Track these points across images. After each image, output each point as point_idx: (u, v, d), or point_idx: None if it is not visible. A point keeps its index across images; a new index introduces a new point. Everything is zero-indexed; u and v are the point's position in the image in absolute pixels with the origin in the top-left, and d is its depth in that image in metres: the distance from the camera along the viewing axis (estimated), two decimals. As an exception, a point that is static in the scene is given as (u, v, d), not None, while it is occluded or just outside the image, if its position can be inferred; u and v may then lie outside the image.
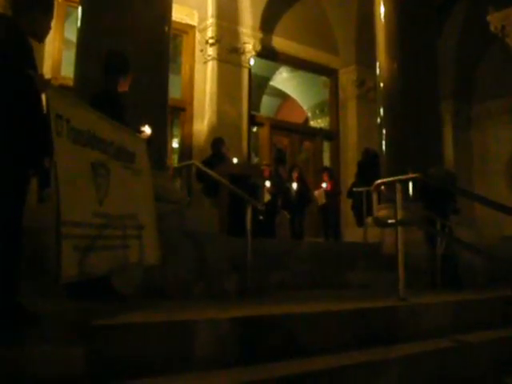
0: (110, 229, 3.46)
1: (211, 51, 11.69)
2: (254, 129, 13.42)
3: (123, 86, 4.39)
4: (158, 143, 5.36)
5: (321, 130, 14.90)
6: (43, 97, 2.86)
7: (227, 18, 11.82)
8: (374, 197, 5.65)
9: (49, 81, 2.93)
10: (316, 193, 11.49)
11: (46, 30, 3.24)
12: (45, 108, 2.86)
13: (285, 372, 2.84)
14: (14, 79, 2.77)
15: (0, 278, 2.68)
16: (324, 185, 11.27)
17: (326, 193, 11.08)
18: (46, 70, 8.64)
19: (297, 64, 14.10)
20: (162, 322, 2.92)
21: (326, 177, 11.42)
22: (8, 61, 2.76)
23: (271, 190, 10.16)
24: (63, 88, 5.70)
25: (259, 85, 15.41)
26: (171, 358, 2.78)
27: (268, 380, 2.70)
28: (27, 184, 2.97)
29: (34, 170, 3.02)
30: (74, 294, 3.77)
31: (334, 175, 11.75)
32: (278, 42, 13.02)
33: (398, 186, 4.70)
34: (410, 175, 4.97)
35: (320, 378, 2.91)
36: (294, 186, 10.70)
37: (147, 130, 4.66)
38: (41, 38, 3.24)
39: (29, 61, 2.92)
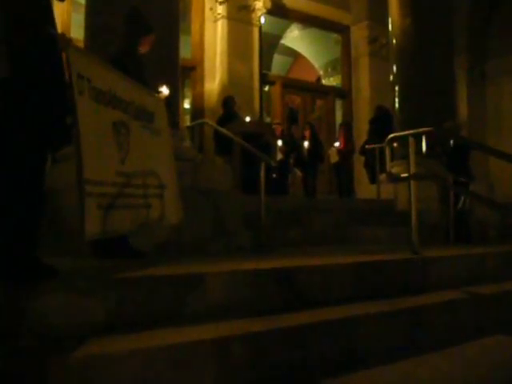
0: (132, 188, 3.50)
1: (221, 9, 11.55)
2: (266, 88, 13.34)
3: (144, 47, 4.36)
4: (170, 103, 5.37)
5: (333, 88, 14.78)
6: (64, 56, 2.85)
7: (236, -26, 11.63)
8: (387, 151, 5.64)
9: (70, 40, 2.88)
10: (329, 151, 11.45)
11: None
12: (66, 67, 2.85)
13: (295, 322, 2.89)
14: (38, 38, 2.71)
15: (21, 232, 2.73)
16: (337, 143, 11.20)
17: (339, 151, 10.98)
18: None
19: (308, 21, 13.91)
20: (175, 275, 2.98)
21: (341, 133, 11.26)
22: (30, 19, 2.69)
23: (283, 149, 10.18)
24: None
25: (270, 43, 15.23)
26: (186, 310, 2.86)
27: (279, 329, 2.76)
28: (49, 144, 2.98)
29: (55, 130, 3.01)
30: (95, 252, 3.87)
31: (350, 132, 11.51)
32: (289, -1, 12.82)
33: (411, 141, 4.69)
34: (423, 129, 4.94)
35: (329, 328, 2.97)
36: (306, 144, 10.68)
37: (165, 90, 4.68)
38: None
39: (49, 19, 2.85)
